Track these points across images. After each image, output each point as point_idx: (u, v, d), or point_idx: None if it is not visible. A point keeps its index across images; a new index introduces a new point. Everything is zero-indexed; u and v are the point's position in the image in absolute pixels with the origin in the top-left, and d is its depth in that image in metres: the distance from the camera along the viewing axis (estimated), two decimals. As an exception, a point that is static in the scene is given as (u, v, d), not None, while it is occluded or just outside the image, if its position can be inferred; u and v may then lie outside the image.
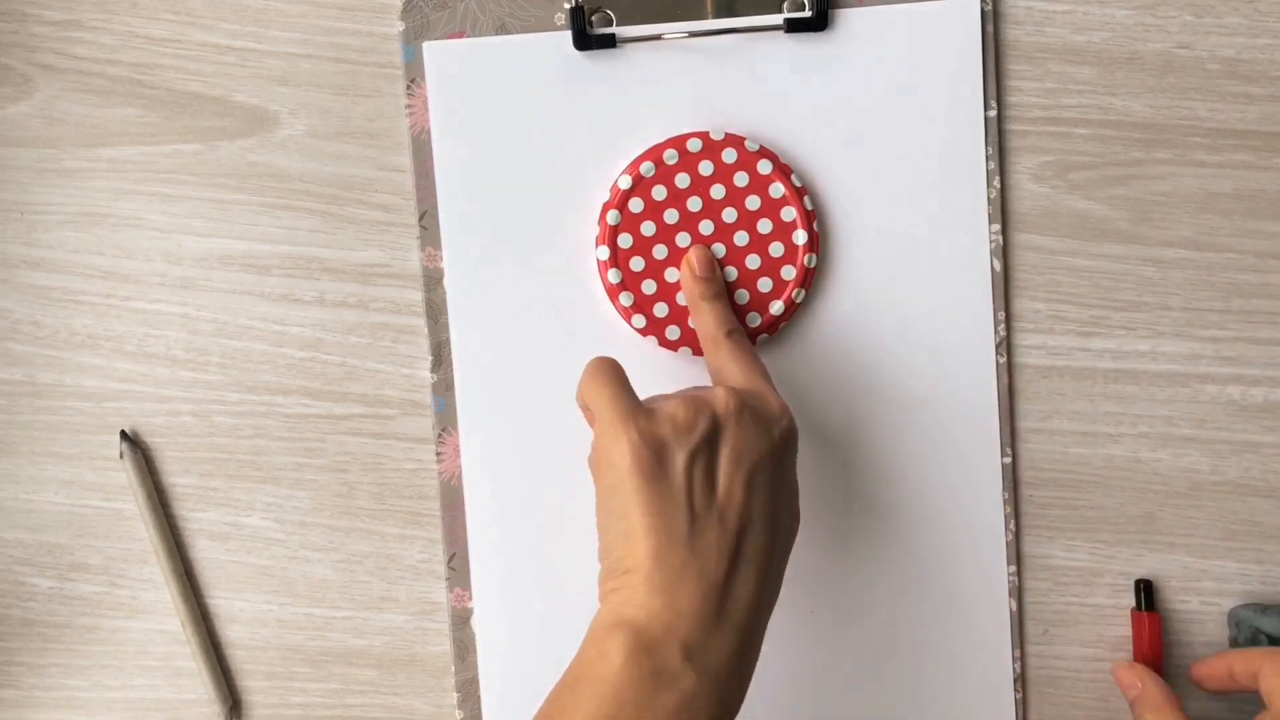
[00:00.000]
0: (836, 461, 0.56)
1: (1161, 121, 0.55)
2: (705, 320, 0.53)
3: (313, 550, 0.58)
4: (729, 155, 0.54)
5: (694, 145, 0.54)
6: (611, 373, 0.48)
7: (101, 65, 0.56)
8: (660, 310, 0.55)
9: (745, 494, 0.46)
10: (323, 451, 0.57)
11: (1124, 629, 0.57)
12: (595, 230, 0.55)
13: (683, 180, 0.54)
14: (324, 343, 0.57)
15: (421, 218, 0.55)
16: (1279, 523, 0.57)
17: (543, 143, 0.55)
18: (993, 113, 0.55)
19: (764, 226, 0.54)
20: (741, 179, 0.54)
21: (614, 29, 0.54)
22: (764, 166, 0.54)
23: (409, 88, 0.55)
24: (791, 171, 0.54)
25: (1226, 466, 0.57)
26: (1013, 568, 0.57)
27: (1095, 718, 0.58)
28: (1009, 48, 0.55)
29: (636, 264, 0.54)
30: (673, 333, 0.55)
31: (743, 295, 0.55)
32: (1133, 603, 0.57)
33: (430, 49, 0.54)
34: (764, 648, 0.56)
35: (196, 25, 0.55)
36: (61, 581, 0.58)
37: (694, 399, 0.47)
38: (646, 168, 0.54)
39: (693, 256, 0.54)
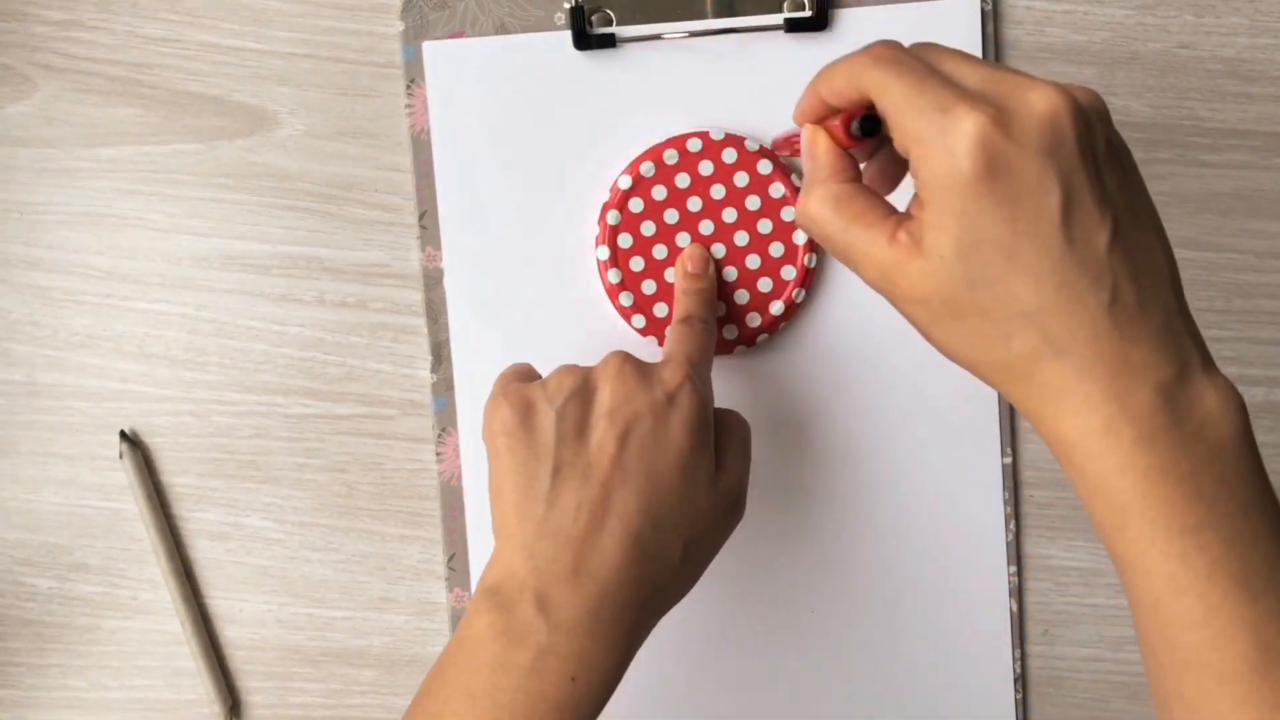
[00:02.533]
0: (836, 461, 0.56)
1: (1162, 121, 0.55)
2: (676, 308, 0.53)
3: (313, 550, 0.58)
4: (729, 155, 0.54)
5: (694, 145, 0.54)
6: (507, 370, 0.48)
7: (101, 65, 0.56)
8: (660, 310, 0.55)
9: (617, 448, 0.44)
10: (323, 451, 0.57)
11: (1125, 629, 0.57)
12: (595, 230, 0.55)
13: (683, 180, 0.54)
14: (324, 343, 0.57)
15: (421, 218, 0.55)
16: (1279, 523, 0.57)
17: (543, 143, 0.55)
18: (993, 113, 0.54)
19: (764, 226, 0.54)
20: (741, 179, 0.54)
21: (614, 29, 0.54)
22: (764, 166, 0.54)
23: (409, 88, 0.55)
24: (792, 171, 0.54)
25: (1227, 467, 0.57)
26: (1013, 568, 0.57)
27: (1095, 718, 0.58)
28: (1009, 48, 0.55)
29: (636, 264, 0.54)
30: (673, 333, 0.55)
31: (743, 295, 0.55)
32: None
33: (430, 49, 0.54)
34: (763, 648, 0.56)
35: (196, 25, 0.55)
36: (61, 582, 0.58)
37: (574, 365, 0.46)
38: (646, 168, 0.54)
39: (687, 254, 0.54)
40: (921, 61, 0.38)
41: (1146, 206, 0.38)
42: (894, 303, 0.40)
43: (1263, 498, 0.37)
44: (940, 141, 0.36)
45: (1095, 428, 0.36)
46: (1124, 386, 0.36)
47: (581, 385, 0.45)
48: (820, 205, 0.40)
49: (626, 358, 0.46)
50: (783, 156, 0.53)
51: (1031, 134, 0.36)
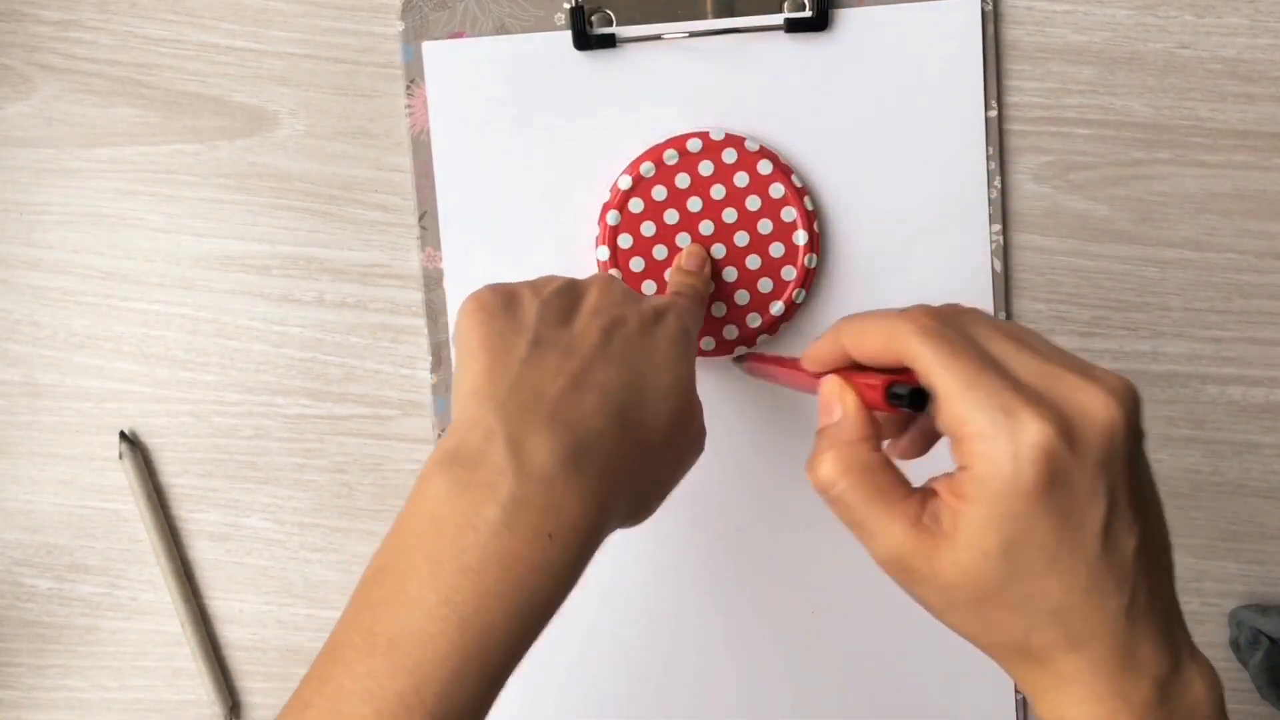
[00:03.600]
0: (837, 462, 0.56)
1: (1162, 122, 0.55)
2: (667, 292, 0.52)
3: (312, 551, 0.58)
4: (729, 155, 0.54)
5: (694, 145, 0.54)
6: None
7: (101, 65, 0.56)
8: (660, 310, 0.55)
9: (601, 338, 0.41)
10: (322, 452, 0.57)
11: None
12: (595, 230, 0.55)
13: (683, 180, 0.54)
14: (323, 343, 0.57)
15: (421, 218, 0.55)
16: (1279, 523, 0.57)
17: (543, 143, 0.55)
18: (993, 113, 0.54)
19: (764, 227, 0.54)
20: (742, 179, 0.54)
21: (614, 29, 0.54)
22: (764, 167, 0.54)
23: (408, 88, 0.55)
24: (792, 172, 0.54)
25: (1227, 467, 0.57)
26: (1013, 568, 0.57)
27: (1096, 719, 0.58)
28: (1009, 48, 0.55)
29: (636, 264, 0.54)
30: (673, 333, 0.55)
31: (743, 296, 0.54)
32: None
33: (430, 49, 0.54)
34: (763, 648, 0.56)
35: (195, 25, 0.55)
36: (61, 582, 0.58)
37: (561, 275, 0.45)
38: (646, 168, 0.54)
39: (685, 252, 0.54)
40: (972, 342, 0.37)
41: (1157, 499, 0.38)
42: (905, 585, 0.39)
43: None
44: (1002, 444, 0.35)
45: (1098, 717, 0.37)
46: (1129, 681, 0.36)
47: (569, 286, 0.43)
48: (841, 473, 0.39)
49: (614, 277, 0.45)
50: (743, 368, 0.53)
51: (1092, 447, 0.35)
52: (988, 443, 0.35)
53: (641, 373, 0.42)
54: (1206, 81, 0.55)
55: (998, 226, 0.55)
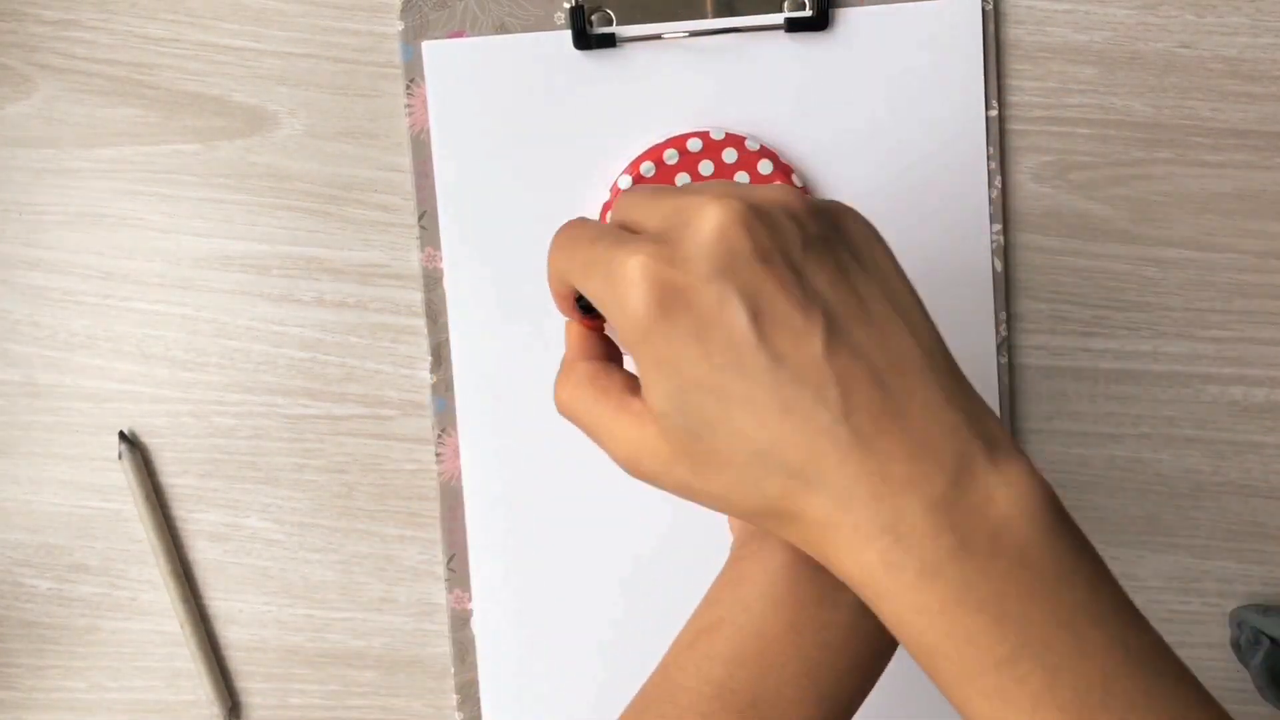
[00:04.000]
0: (837, 462, 0.56)
1: (1163, 121, 0.55)
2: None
3: (312, 551, 0.58)
4: (729, 155, 0.54)
5: (694, 145, 0.54)
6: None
7: (101, 65, 0.56)
8: (660, 310, 0.54)
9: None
10: (322, 452, 0.57)
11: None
12: (595, 230, 0.55)
13: (683, 180, 0.54)
14: (323, 343, 0.57)
15: (421, 218, 0.55)
16: (1281, 523, 0.57)
17: (542, 142, 0.55)
18: (994, 112, 0.54)
19: (764, 226, 0.54)
20: (742, 179, 0.54)
21: (614, 29, 0.54)
22: (764, 166, 0.54)
23: (408, 87, 0.55)
24: (792, 171, 0.54)
25: (1228, 467, 0.56)
26: (1014, 569, 0.56)
27: (1097, 719, 0.58)
28: (1010, 47, 0.55)
29: (636, 264, 0.54)
30: (673, 333, 0.55)
31: (743, 295, 0.54)
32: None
33: (429, 48, 0.54)
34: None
35: (195, 25, 0.55)
36: (60, 583, 0.58)
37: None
38: (646, 168, 0.54)
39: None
40: (594, 226, 0.36)
41: (885, 290, 0.34)
42: (650, 481, 0.35)
43: (1093, 599, 0.32)
44: (612, 294, 0.33)
45: (875, 564, 0.31)
46: (892, 511, 0.31)
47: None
48: (568, 391, 0.37)
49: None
50: None
51: (699, 258, 0.32)
52: (606, 304, 0.33)
53: None
54: (1207, 81, 0.55)
55: (998, 226, 0.55)
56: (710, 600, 0.39)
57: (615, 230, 0.35)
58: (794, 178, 0.54)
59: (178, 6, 0.55)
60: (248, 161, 0.56)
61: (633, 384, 0.36)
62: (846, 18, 0.54)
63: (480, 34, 0.54)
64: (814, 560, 0.35)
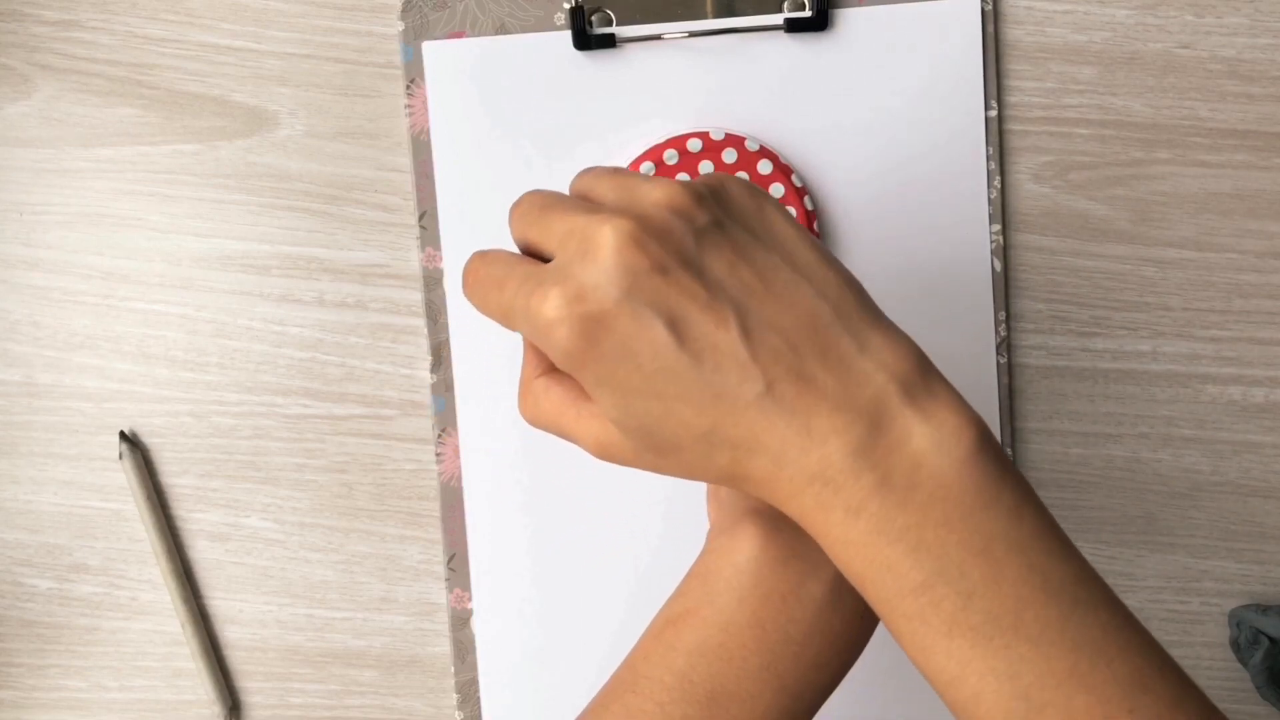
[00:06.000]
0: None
1: (1162, 121, 0.55)
2: None
3: (312, 551, 0.58)
4: (729, 155, 0.54)
5: (694, 145, 0.54)
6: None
7: (101, 65, 0.56)
8: (660, 310, 0.55)
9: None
10: (322, 452, 0.57)
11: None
12: (595, 230, 0.55)
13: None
14: (323, 343, 0.57)
15: (421, 218, 0.55)
16: (1279, 523, 0.57)
17: (543, 143, 0.55)
18: (993, 113, 0.54)
19: (764, 227, 0.54)
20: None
21: (614, 29, 0.54)
22: (764, 167, 0.54)
23: (408, 88, 0.55)
24: (792, 171, 0.54)
25: (1227, 467, 0.57)
26: (1013, 568, 0.57)
27: (1096, 718, 0.58)
28: (1009, 48, 0.55)
29: (636, 264, 0.54)
30: (673, 333, 0.55)
31: (743, 295, 0.54)
32: (1134, 605, 0.57)
33: (430, 49, 0.54)
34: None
35: (196, 25, 0.55)
36: (61, 582, 0.58)
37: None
38: (647, 168, 0.54)
39: None
40: (498, 264, 0.37)
41: (784, 256, 0.36)
42: (629, 465, 0.38)
43: (1013, 527, 0.34)
44: (539, 336, 0.35)
45: (811, 508, 0.34)
46: (819, 460, 0.34)
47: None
48: (524, 405, 0.40)
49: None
50: None
51: (606, 284, 0.34)
52: (537, 342, 0.36)
53: None
54: (1206, 81, 0.55)
55: (998, 226, 0.55)
56: (679, 593, 0.41)
57: (521, 268, 0.37)
58: (794, 178, 0.54)
59: (178, 7, 0.55)
60: (248, 161, 0.56)
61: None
62: (846, 18, 0.54)
63: (480, 34, 0.54)
64: (780, 555, 0.39)
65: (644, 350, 0.34)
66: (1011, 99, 0.55)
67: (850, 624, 0.39)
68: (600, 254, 0.34)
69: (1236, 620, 0.56)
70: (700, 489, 0.56)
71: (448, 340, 0.56)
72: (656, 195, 0.36)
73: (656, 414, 0.35)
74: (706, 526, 0.57)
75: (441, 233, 0.55)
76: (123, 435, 0.57)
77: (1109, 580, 0.57)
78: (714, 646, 0.39)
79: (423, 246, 0.55)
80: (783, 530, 0.39)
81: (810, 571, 0.39)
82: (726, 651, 0.39)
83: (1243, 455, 0.57)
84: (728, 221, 0.36)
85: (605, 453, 0.38)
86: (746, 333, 0.35)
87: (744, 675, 0.38)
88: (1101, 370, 0.56)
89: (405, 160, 0.56)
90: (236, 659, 0.58)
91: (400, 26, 0.55)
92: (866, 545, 0.34)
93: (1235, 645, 0.56)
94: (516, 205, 0.39)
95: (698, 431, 0.35)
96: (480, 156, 0.55)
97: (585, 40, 0.54)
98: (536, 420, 0.39)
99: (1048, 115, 0.55)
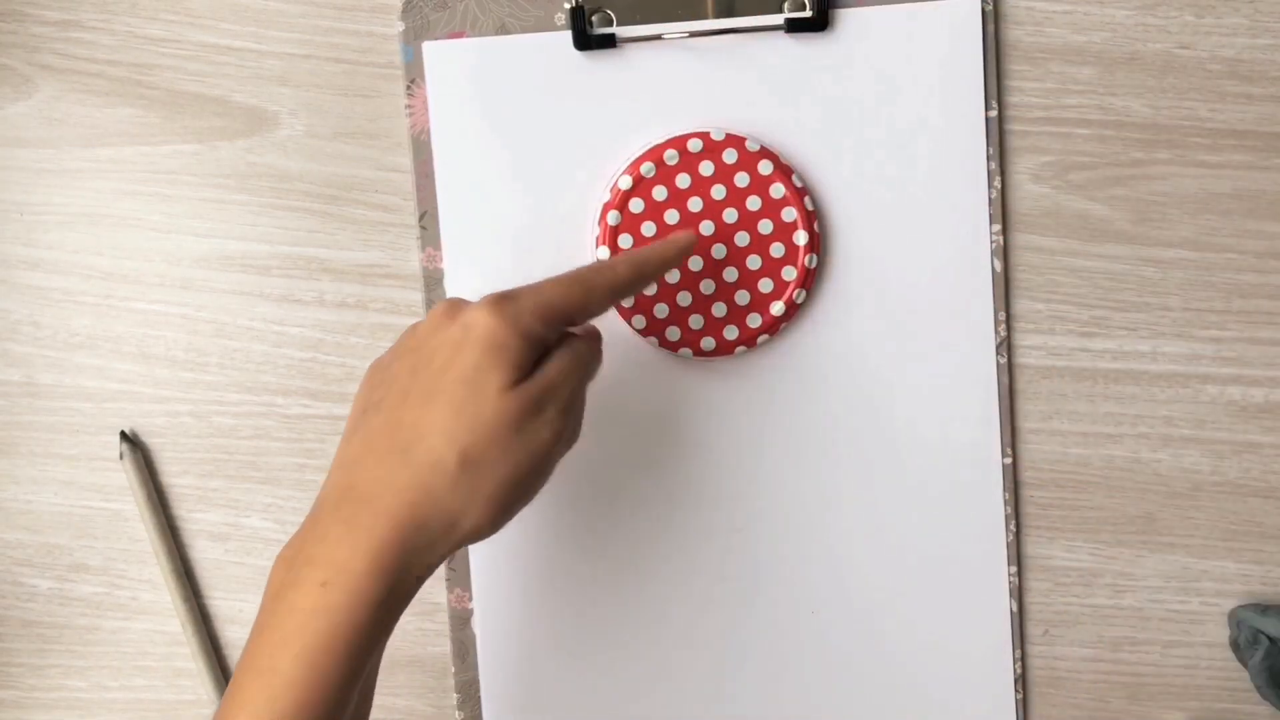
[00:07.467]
0: (836, 461, 0.56)
1: (1162, 122, 0.55)
2: (624, 253, 0.51)
3: (312, 551, 0.58)
4: (729, 156, 0.54)
5: (694, 145, 0.54)
6: None
7: (101, 65, 0.56)
8: (660, 311, 0.55)
9: (408, 378, 0.47)
10: (322, 452, 0.57)
11: (1125, 629, 0.57)
12: (595, 231, 0.55)
13: (683, 181, 0.54)
14: (324, 343, 0.57)
15: (421, 218, 0.55)
16: (1279, 523, 0.57)
17: (543, 143, 0.55)
18: (993, 113, 0.54)
19: (765, 227, 0.54)
20: (742, 179, 0.54)
21: (614, 29, 0.54)
22: (765, 167, 0.54)
23: (409, 88, 0.55)
24: (792, 172, 0.54)
25: (1227, 467, 0.57)
26: (1013, 568, 0.57)
27: (1095, 718, 0.58)
28: (1009, 48, 0.55)
29: (636, 264, 0.54)
30: (673, 333, 0.55)
31: (743, 296, 0.55)
32: (1133, 605, 0.57)
33: (430, 49, 0.54)
34: (765, 649, 0.56)
35: (196, 26, 0.55)
36: (61, 582, 0.58)
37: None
38: (647, 168, 0.54)
39: (683, 235, 0.51)
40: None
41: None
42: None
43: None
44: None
45: None
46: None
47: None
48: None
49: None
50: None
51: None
52: None
53: (426, 386, 0.44)
54: (1206, 81, 0.55)
55: (998, 226, 0.55)
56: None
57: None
58: (794, 178, 0.54)
59: (178, 7, 0.55)
60: (248, 161, 0.56)
61: None
62: (846, 18, 0.54)
63: (481, 35, 0.54)
64: None
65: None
66: (1011, 99, 0.55)
67: (309, 595, 0.42)
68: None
69: (1236, 620, 0.56)
70: (700, 489, 0.56)
71: (448, 340, 0.56)
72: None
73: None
74: (708, 526, 0.57)
75: (442, 233, 0.55)
76: (123, 435, 0.57)
77: (1109, 579, 0.57)
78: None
79: (423, 247, 0.55)
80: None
81: (286, 562, 0.44)
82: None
83: (1242, 455, 0.57)
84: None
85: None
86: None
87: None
88: (1101, 370, 0.56)
89: (405, 160, 0.56)
90: (236, 659, 0.58)
91: (400, 27, 0.55)
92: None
93: (1235, 645, 0.56)
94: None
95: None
96: (480, 156, 0.55)
97: (585, 40, 0.54)
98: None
99: (1048, 115, 0.55)
